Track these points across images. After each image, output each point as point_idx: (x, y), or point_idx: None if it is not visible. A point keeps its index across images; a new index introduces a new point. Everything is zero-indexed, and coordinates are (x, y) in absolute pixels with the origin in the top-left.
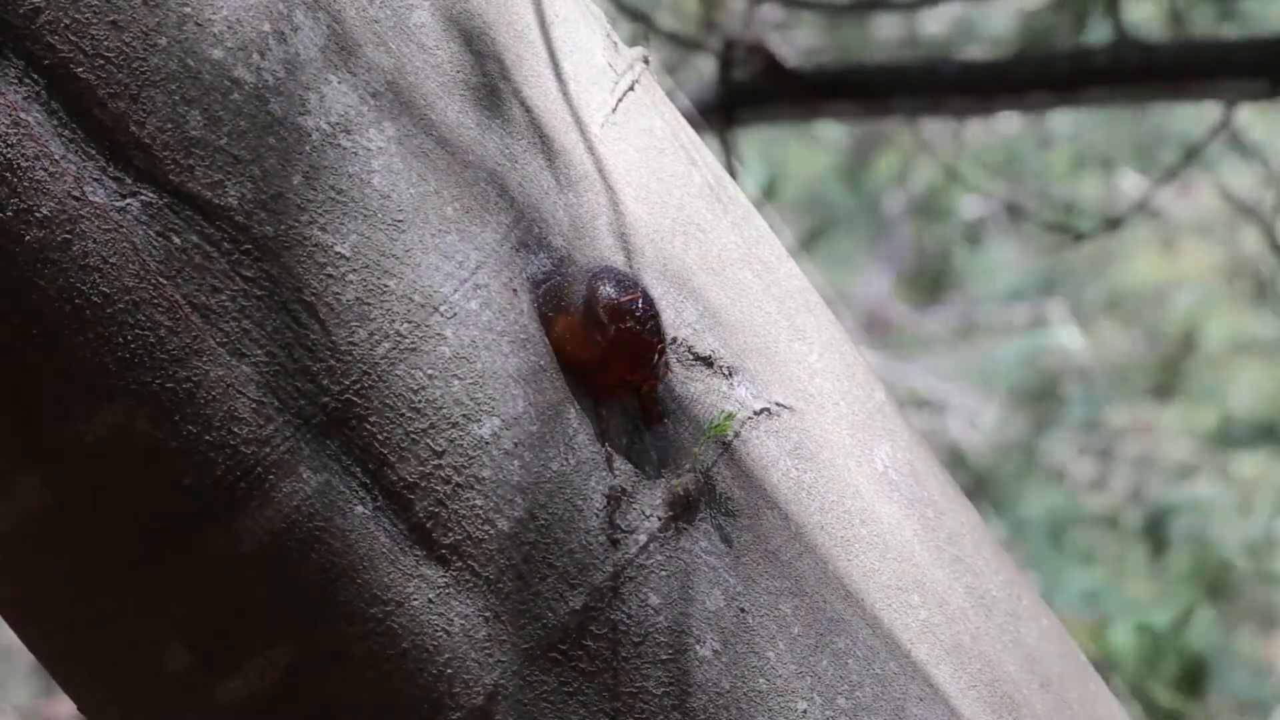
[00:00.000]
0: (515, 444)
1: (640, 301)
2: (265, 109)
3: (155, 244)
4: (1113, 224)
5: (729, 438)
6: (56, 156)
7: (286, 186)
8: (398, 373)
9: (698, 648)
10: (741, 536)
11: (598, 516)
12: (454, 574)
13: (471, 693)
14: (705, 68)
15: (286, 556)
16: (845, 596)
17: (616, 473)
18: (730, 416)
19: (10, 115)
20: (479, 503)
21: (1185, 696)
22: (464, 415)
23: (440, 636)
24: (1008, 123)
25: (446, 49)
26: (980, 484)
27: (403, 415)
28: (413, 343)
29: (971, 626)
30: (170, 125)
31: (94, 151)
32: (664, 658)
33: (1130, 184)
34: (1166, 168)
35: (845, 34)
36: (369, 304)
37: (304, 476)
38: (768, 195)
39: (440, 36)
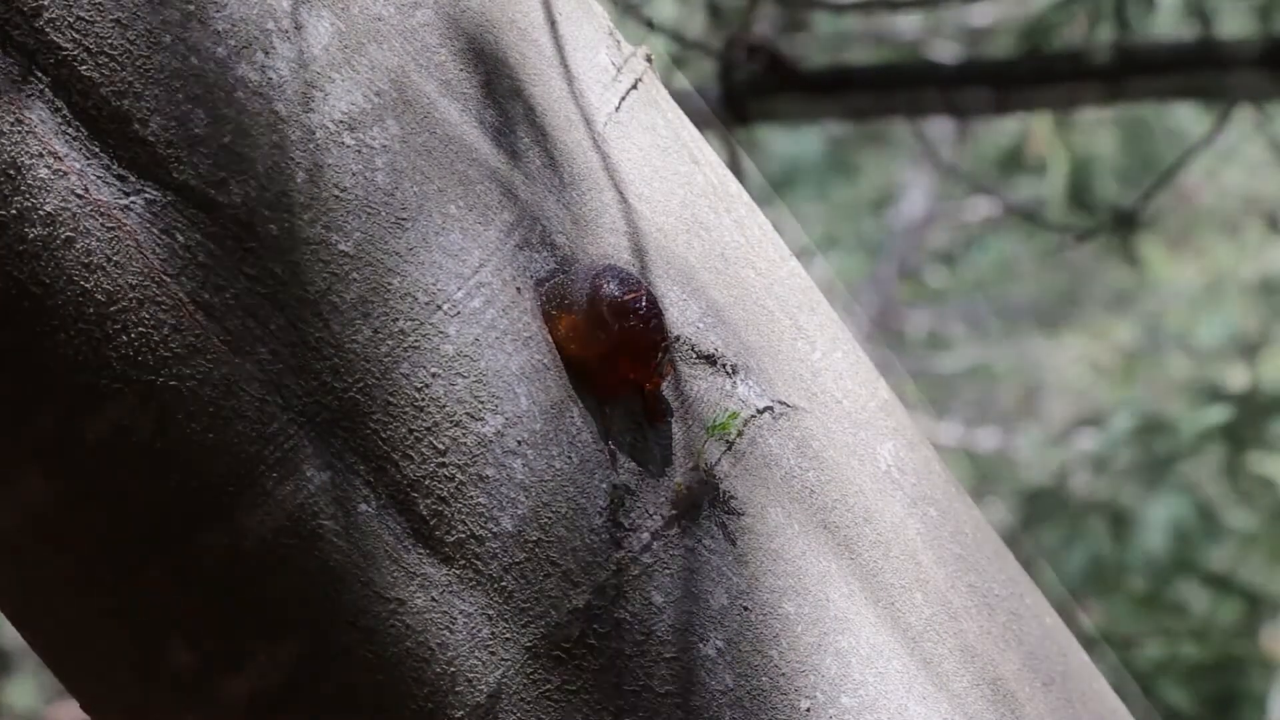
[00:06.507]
0: (518, 442)
1: (643, 299)
2: (269, 107)
3: (159, 242)
4: (1119, 223)
5: (732, 436)
6: (60, 154)
7: (290, 184)
8: (401, 371)
9: (701, 646)
10: (745, 535)
11: (601, 515)
12: (457, 572)
13: (475, 691)
14: (707, 66)
15: (289, 555)
16: (849, 595)
17: (620, 471)
18: (734, 415)
19: (13, 113)
20: (482, 501)
21: None
22: (467, 413)
23: (443, 635)
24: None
25: (450, 47)
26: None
27: (406, 413)
28: (416, 341)
29: (974, 625)
30: (174, 123)
31: (98, 149)
32: (668, 656)
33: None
34: (1168, 167)
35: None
36: (372, 302)
37: (307, 475)
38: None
39: (443, 35)
